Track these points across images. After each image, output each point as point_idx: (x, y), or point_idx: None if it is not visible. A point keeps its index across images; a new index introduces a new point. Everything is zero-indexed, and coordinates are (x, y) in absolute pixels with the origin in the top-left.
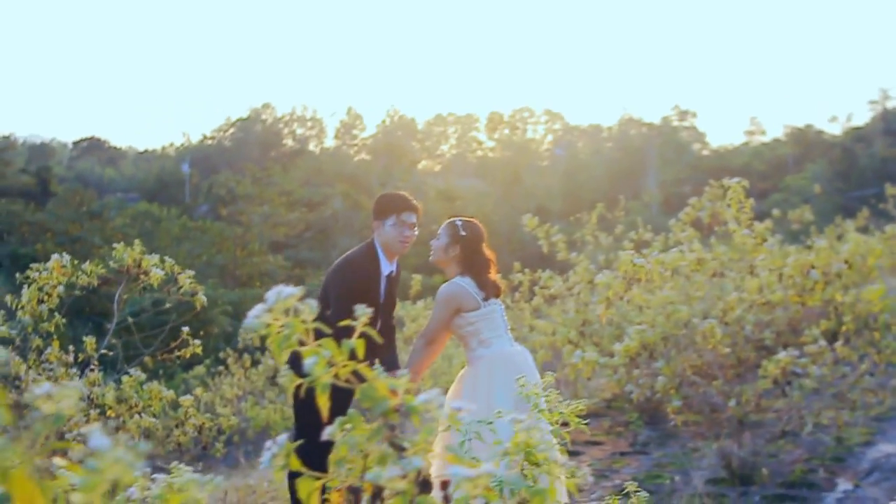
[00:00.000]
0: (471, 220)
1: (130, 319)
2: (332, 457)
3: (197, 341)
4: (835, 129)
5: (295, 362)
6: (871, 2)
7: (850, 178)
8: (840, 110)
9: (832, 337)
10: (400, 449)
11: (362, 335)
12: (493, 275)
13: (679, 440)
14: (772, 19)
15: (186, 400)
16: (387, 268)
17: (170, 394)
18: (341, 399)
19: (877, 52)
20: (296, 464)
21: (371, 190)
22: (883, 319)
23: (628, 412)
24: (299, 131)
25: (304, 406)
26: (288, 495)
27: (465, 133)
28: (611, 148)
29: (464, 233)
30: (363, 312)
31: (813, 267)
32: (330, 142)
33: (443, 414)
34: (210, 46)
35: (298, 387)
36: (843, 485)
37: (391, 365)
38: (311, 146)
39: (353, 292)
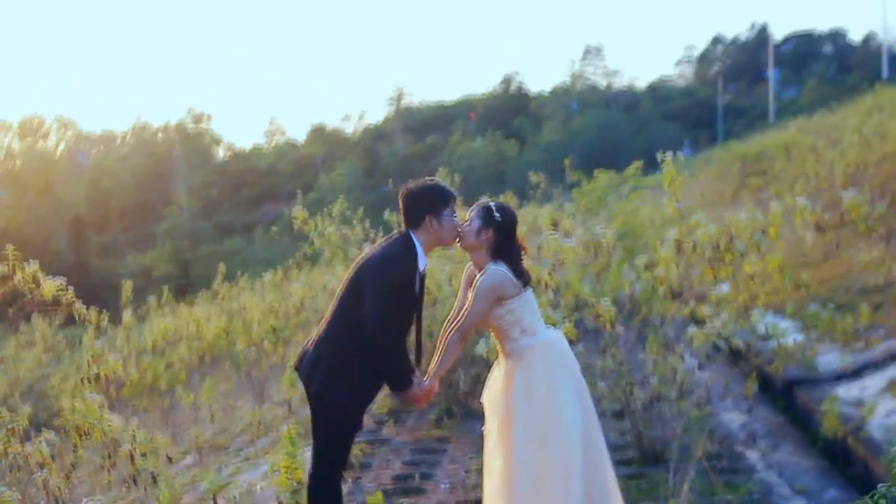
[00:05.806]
0: (505, 203)
1: None
2: None
3: None
4: (350, 128)
5: (338, 394)
6: (376, 1)
7: (375, 175)
8: (355, 108)
9: None
10: None
11: (399, 329)
12: (526, 262)
13: None
14: (280, 19)
15: None
16: (423, 263)
17: None
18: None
19: (392, 49)
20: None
21: None
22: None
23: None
24: None
25: (333, 425)
26: None
27: None
28: (133, 154)
29: (498, 216)
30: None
31: (735, 237)
32: None
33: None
34: None
35: (325, 410)
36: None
37: (418, 355)
38: None
39: (396, 288)
